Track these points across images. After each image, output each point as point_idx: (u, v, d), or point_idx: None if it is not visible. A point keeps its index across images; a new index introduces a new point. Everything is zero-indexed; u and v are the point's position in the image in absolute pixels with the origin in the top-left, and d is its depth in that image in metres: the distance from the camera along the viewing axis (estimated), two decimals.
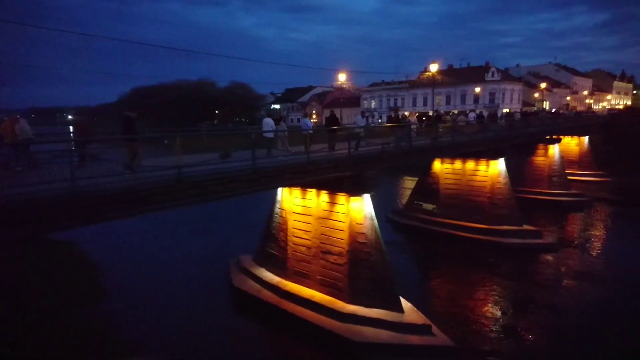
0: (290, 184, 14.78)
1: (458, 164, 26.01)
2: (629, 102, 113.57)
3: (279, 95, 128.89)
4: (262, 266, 17.87)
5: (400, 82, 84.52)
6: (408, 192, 31.18)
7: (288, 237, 16.75)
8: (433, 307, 16.29)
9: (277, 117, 16.34)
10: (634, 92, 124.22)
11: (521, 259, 21.61)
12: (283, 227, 17.06)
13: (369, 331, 13.10)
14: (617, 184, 39.65)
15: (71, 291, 18.04)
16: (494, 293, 17.75)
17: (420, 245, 24.34)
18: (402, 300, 14.39)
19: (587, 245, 24.19)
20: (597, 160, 44.08)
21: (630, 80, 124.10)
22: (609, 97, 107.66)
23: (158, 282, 18.90)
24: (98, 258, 22.23)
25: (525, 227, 24.23)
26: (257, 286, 16.83)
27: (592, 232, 26.83)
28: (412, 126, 19.61)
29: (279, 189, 17.22)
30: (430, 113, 29.84)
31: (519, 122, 34.06)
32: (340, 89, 54.90)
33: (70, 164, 7.90)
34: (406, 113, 30.64)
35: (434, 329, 13.31)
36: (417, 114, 26.59)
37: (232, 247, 21.90)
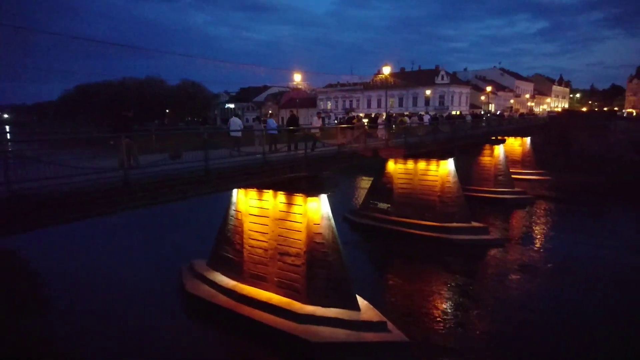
0: (245, 185, 14.51)
1: (410, 164, 26.78)
2: (566, 105, 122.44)
3: (233, 94, 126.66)
4: (216, 270, 17.41)
5: (355, 84, 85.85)
6: (364, 192, 31.68)
7: (244, 240, 16.44)
8: (388, 303, 16.63)
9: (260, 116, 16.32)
10: (571, 95, 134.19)
11: (470, 255, 22.58)
12: (239, 230, 16.72)
13: (326, 331, 13.14)
14: (556, 182, 42.62)
15: (11, 302, 16.68)
16: (445, 288, 18.42)
17: (376, 244, 24.82)
18: (359, 298, 14.56)
19: (530, 240, 25.75)
20: (538, 159, 47.11)
21: (567, 84, 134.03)
22: (548, 100, 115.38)
23: (105, 291, 17.87)
24: (41, 266, 20.73)
25: (474, 224, 25.38)
26: (212, 291, 16.36)
27: (534, 228, 28.62)
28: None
29: (234, 191, 16.86)
30: (384, 115, 30.55)
31: (471, 123, 35.69)
32: (296, 89, 54.90)
33: (5, 166, 7.28)
34: (361, 115, 31.15)
35: (390, 325, 13.57)
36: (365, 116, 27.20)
37: (184, 251, 21.15)
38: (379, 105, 79.55)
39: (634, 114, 76.94)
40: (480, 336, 14.39)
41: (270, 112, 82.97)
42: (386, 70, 33.09)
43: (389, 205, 27.20)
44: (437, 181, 25.84)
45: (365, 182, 40.06)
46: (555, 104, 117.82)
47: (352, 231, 26.71)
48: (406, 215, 26.07)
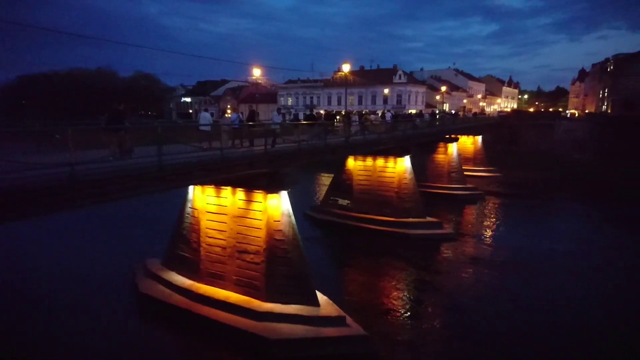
0: (202, 181, 14.13)
1: (369, 161, 27.24)
2: (515, 105, 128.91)
3: (190, 88, 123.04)
4: (172, 270, 16.87)
5: (316, 81, 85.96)
6: (325, 189, 31.85)
7: (201, 238, 16.03)
8: (348, 298, 16.83)
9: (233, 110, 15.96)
10: (519, 96, 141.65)
11: (425, 248, 23.34)
12: (195, 228, 16.27)
13: (286, 328, 13.11)
14: (505, 179, 44.89)
15: None
16: (402, 281, 18.93)
17: (336, 240, 25.07)
18: (319, 294, 14.63)
19: (481, 233, 26.96)
20: (489, 157, 49.38)
21: (516, 85, 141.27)
22: (499, 100, 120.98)
23: (50, 294, 16.83)
24: None
25: (428, 219, 26.27)
26: (167, 291, 15.84)
27: (485, 222, 30.00)
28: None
29: (190, 187, 16.38)
30: (343, 112, 30.84)
31: (428, 122, 36.79)
32: (255, 84, 54.12)
33: None
34: (322, 112, 31.27)
35: (348, 319, 13.74)
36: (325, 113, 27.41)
37: (137, 250, 20.31)
38: (339, 103, 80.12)
39: (576, 114, 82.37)
40: (435, 327, 14.92)
41: (230, 106, 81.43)
42: (346, 67, 33.37)
43: (349, 202, 27.55)
44: (394, 178, 26.45)
45: (325, 179, 40.30)
46: (505, 104, 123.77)
47: (313, 227, 26.81)
48: (365, 211, 26.51)
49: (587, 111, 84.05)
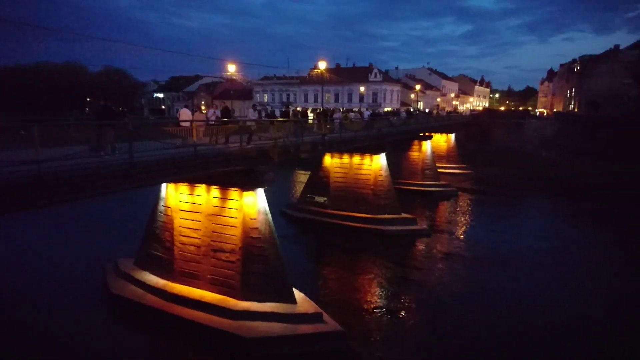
0: (175, 179, 13.84)
1: (346, 159, 27.38)
2: (487, 104, 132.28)
3: (163, 83, 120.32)
4: (144, 269, 16.49)
5: (292, 78, 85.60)
6: (301, 186, 31.82)
7: (174, 237, 15.72)
8: (325, 295, 16.93)
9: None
10: (491, 95, 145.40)
11: (400, 244, 23.69)
12: (168, 226, 15.94)
13: (262, 326, 13.04)
14: (477, 176, 46.02)
15: None
16: (378, 277, 19.14)
17: (313, 237, 25.10)
18: (295, 291, 14.63)
19: (454, 229, 27.58)
20: (461, 154, 50.49)
21: (488, 85, 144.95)
22: (471, 99, 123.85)
23: (18, 295, 16.16)
24: None
25: (404, 215, 26.67)
26: (140, 291, 15.48)
27: (458, 218, 30.70)
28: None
29: (163, 185, 16.03)
30: (319, 109, 30.85)
31: (403, 120, 37.30)
32: (230, 80, 53.33)
33: None
34: (298, 109, 31.19)
35: (325, 316, 13.80)
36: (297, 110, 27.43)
37: (109, 250, 19.75)
38: (315, 100, 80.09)
39: (545, 113, 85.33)
40: (411, 322, 15.17)
41: (204, 102, 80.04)
42: (322, 65, 33.29)
43: (326, 199, 27.62)
44: (370, 175, 26.70)
45: (302, 176, 40.25)
46: (477, 103, 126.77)
47: (290, 225, 26.75)
48: (342, 208, 26.66)
49: (555, 110, 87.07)
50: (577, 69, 76.89)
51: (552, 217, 32.73)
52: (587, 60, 73.10)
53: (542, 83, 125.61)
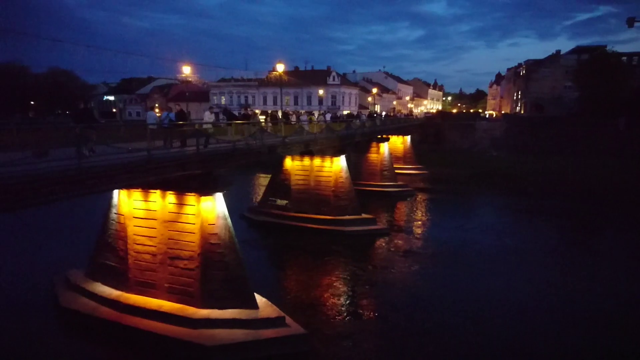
0: (127, 185, 13.27)
1: (307, 161, 27.42)
2: (440, 107, 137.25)
3: (114, 85, 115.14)
4: (97, 280, 15.67)
5: (250, 80, 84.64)
6: (262, 189, 31.51)
7: (128, 245, 15.05)
8: (287, 298, 16.83)
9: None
10: (444, 98, 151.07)
11: (361, 244, 24.05)
12: (121, 235, 15.25)
13: (223, 333, 12.76)
14: (432, 176, 47.57)
15: None
16: (340, 278, 19.30)
17: (275, 240, 24.90)
18: (257, 296, 14.43)
19: (411, 228, 28.36)
20: (417, 155, 52.03)
21: (441, 88, 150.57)
22: (425, 102, 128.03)
23: None
24: None
25: (364, 215, 27.12)
26: (92, 303, 14.70)
27: (415, 217, 31.61)
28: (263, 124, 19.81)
29: (115, 192, 15.32)
30: (280, 113, 30.75)
31: (362, 123, 37.97)
32: (185, 82, 51.95)
33: None
34: (257, 111, 30.93)
35: (288, 320, 13.71)
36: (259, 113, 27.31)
37: (57, 262, 18.59)
38: (274, 103, 79.61)
39: (494, 115, 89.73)
40: (372, 321, 15.41)
41: (158, 105, 77.38)
42: (280, 67, 33.24)
43: (287, 202, 27.51)
44: (331, 177, 26.90)
45: (263, 179, 39.89)
46: (431, 105, 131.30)
47: (251, 229, 26.41)
48: (304, 211, 26.66)
49: (503, 112, 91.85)
50: (522, 72, 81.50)
51: (503, 212, 34.42)
52: (532, 65, 77.69)
53: (491, 86, 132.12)
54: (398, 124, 52.27)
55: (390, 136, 41.34)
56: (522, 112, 77.76)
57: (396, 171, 41.41)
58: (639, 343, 13.96)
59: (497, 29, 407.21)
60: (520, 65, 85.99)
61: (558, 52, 76.11)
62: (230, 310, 13.54)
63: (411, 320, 15.28)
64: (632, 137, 53.02)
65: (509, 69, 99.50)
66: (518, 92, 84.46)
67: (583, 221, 31.42)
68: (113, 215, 15.68)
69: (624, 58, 64.79)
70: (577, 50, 74.10)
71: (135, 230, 14.99)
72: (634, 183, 40.91)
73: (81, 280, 15.93)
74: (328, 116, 31.77)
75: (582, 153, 51.19)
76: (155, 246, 14.60)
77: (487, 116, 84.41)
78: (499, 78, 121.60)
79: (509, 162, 52.57)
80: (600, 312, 16.04)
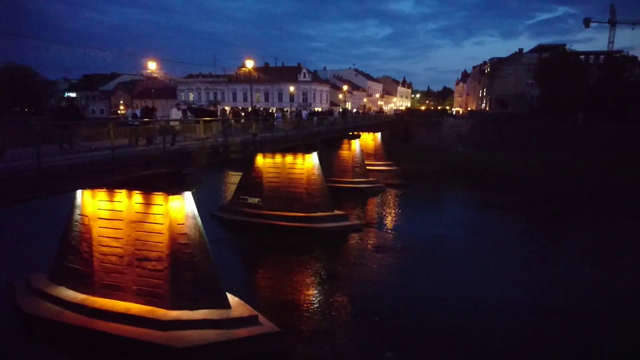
0: (91, 185, 12.81)
1: (279, 158, 27.25)
2: (409, 104, 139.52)
3: (75, 82, 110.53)
4: (61, 284, 15.06)
5: (219, 76, 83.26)
6: (233, 187, 31.11)
7: (93, 247, 14.53)
8: (260, 297, 16.77)
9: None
10: (412, 96, 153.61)
11: (334, 241, 24.20)
12: (86, 237, 14.70)
13: (195, 334, 12.56)
14: (402, 171, 48.38)
15: None
16: (313, 275, 19.38)
17: (247, 239, 24.66)
18: (229, 296, 14.27)
19: (383, 223, 28.79)
20: (387, 152, 52.77)
21: (409, 86, 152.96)
22: (394, 99, 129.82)
23: None
24: None
25: (336, 212, 27.28)
26: (56, 308, 14.12)
27: (386, 212, 32.11)
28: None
29: (79, 192, 14.75)
30: (250, 109, 30.42)
31: (333, 120, 38.19)
32: (151, 78, 50.54)
33: None
34: (226, 108, 30.47)
35: (261, 318, 13.64)
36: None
37: (18, 266, 17.74)
38: (244, 99, 78.67)
39: (460, 112, 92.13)
40: (345, 316, 15.56)
41: (122, 101, 75.02)
42: (249, 64, 32.79)
43: (259, 200, 27.26)
44: (303, 174, 26.87)
45: (234, 178, 39.37)
46: (400, 103, 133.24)
47: (222, 228, 26.05)
48: (276, 209, 26.51)
49: (469, 109, 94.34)
50: (487, 70, 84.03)
51: (470, 207, 35.54)
52: (496, 63, 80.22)
53: (457, 84, 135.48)
54: (369, 121, 52.75)
55: (361, 133, 41.72)
56: (487, 109, 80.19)
57: (367, 167, 41.85)
58: (603, 330, 14.76)
59: (462, 28, 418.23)
60: (485, 63, 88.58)
61: (520, 50, 78.88)
62: (201, 310, 13.34)
63: (384, 314, 15.51)
64: (589, 132, 55.79)
65: (474, 67, 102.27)
66: (483, 90, 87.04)
67: (544, 215, 32.87)
68: (77, 217, 15.09)
69: (582, 57, 67.87)
70: (538, 49, 77.06)
71: (101, 232, 14.50)
72: (591, 178, 43.17)
73: (44, 284, 15.27)
74: (305, 113, 31.72)
75: (543, 149, 53.44)
76: (121, 247, 14.17)
77: (454, 113, 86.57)
78: (465, 76, 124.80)
79: (475, 158, 54.22)
80: (563, 300, 16.87)
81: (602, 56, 72.97)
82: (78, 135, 10.96)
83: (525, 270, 20.43)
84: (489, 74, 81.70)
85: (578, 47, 71.87)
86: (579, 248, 24.29)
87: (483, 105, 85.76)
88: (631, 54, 64.20)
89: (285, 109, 43.82)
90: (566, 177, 44.01)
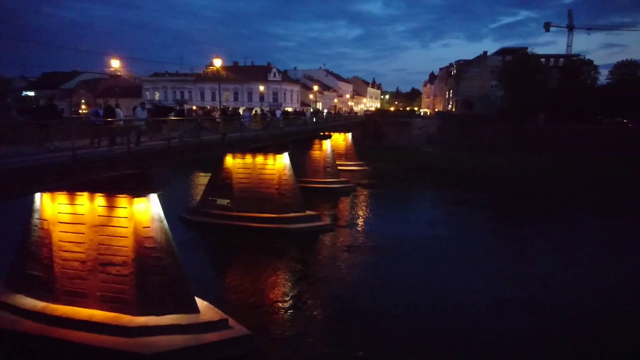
0: (50, 188, 12.22)
1: (249, 159, 26.91)
2: (379, 105, 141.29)
3: (34, 80, 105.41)
4: (18, 292, 14.27)
5: (186, 75, 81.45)
6: (201, 189, 30.51)
7: (54, 253, 13.87)
8: (230, 300, 16.51)
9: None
10: (382, 96, 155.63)
11: (306, 241, 24.16)
12: (45, 242, 14.01)
13: (163, 340, 12.22)
14: (372, 171, 48.99)
15: None
16: (285, 276, 19.27)
17: (216, 241, 24.27)
18: (198, 300, 13.97)
19: (354, 223, 29.02)
20: (358, 152, 53.28)
21: (379, 87, 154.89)
22: (364, 100, 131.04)
23: None
24: None
25: (308, 212, 27.23)
26: (13, 317, 13.39)
27: (357, 212, 32.39)
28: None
29: (37, 195, 14.05)
30: (219, 108, 29.89)
31: (305, 120, 38.09)
32: (115, 76, 48.87)
33: None
34: (194, 107, 29.84)
35: (231, 322, 13.43)
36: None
37: None
38: (213, 98, 77.22)
39: (428, 113, 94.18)
40: (317, 317, 15.55)
41: (84, 100, 72.22)
42: (217, 62, 32.20)
43: (229, 201, 26.84)
44: (274, 174, 26.66)
45: (202, 179, 38.64)
46: (370, 104, 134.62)
47: (190, 231, 25.47)
48: (246, 210, 26.18)
49: (436, 110, 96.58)
50: (453, 72, 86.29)
51: (438, 205, 36.42)
52: (462, 65, 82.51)
53: (425, 85, 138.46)
54: (340, 121, 53.06)
55: (332, 133, 41.88)
56: (454, 109, 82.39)
57: (339, 167, 42.09)
58: (562, 321, 15.42)
59: (429, 30, 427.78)
60: (451, 65, 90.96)
61: (485, 53, 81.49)
62: (169, 316, 12.99)
63: (356, 313, 15.59)
64: (550, 132, 58.39)
65: (441, 69, 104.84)
66: (450, 91, 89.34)
67: (509, 212, 34.09)
68: (35, 221, 14.36)
69: (543, 60, 70.82)
70: (502, 52, 79.89)
71: (61, 237, 13.86)
72: (552, 177, 45.14)
73: (0, 292, 14.45)
74: (278, 113, 31.53)
75: (508, 148, 55.46)
76: (84, 252, 13.59)
77: (422, 114, 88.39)
78: (432, 77, 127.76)
79: (443, 157, 55.62)
80: (526, 293, 17.52)
81: (561, 59, 76.49)
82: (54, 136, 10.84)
83: (494, 265, 21.09)
84: (455, 75, 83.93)
85: (539, 50, 75.25)
86: (540, 243, 25.34)
87: (450, 106, 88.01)
88: (587, 58, 67.56)
89: (254, 109, 43.29)
90: (529, 176, 45.88)
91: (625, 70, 63.67)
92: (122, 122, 14.40)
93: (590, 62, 65.80)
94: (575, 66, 66.25)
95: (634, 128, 60.46)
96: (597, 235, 27.20)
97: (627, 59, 65.06)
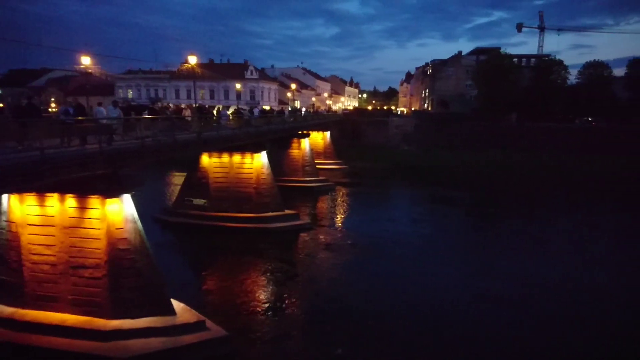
0: (18, 189, 11.79)
1: (226, 158, 26.60)
2: (356, 104, 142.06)
3: (0, 77, 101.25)
4: None
5: (160, 72, 79.80)
6: (177, 189, 30.02)
7: (23, 256, 13.37)
8: (208, 301, 16.35)
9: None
10: (359, 95, 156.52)
11: (285, 241, 24.14)
12: (13, 245, 13.49)
13: (139, 343, 11.98)
14: (351, 170, 49.28)
15: None
16: (264, 276, 19.16)
17: (193, 242, 23.94)
18: (174, 302, 13.76)
19: (333, 221, 29.16)
20: (336, 151, 53.46)
21: (357, 86, 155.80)
22: (342, 99, 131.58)
23: None
24: None
25: (287, 211, 27.14)
26: None
27: (336, 210, 32.57)
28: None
29: (4, 197, 13.52)
30: (195, 106, 29.38)
31: (283, 118, 38.04)
32: (86, 73, 47.36)
33: None
34: (168, 104, 29.29)
35: (209, 323, 13.29)
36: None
37: None
38: (188, 97, 75.97)
39: (405, 112, 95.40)
40: (296, 316, 15.57)
41: (54, 99, 69.84)
42: (192, 59, 31.62)
43: (206, 201, 26.47)
44: (252, 174, 26.45)
45: (178, 178, 37.99)
46: (348, 102, 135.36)
47: (166, 232, 25.08)
48: (224, 209, 25.88)
49: (413, 109, 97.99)
50: (429, 71, 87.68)
51: (417, 202, 36.98)
52: (437, 64, 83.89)
53: (402, 84, 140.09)
54: (318, 119, 53.10)
55: (310, 132, 41.88)
56: (430, 108, 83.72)
57: (317, 166, 42.10)
58: (538, 316, 15.91)
59: (406, 30, 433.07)
60: (427, 64, 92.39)
61: (460, 52, 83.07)
62: (144, 318, 12.74)
63: (335, 311, 15.65)
64: (522, 131, 60.09)
65: (417, 68, 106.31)
66: (426, 90, 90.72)
67: (484, 208, 34.92)
68: (2, 224, 13.80)
69: (515, 60, 72.65)
70: (476, 52, 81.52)
71: (31, 239, 13.38)
72: (524, 174, 46.48)
73: None
74: (256, 111, 31.35)
75: (482, 146, 56.79)
76: (54, 255, 13.17)
77: (399, 113, 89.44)
78: (408, 77, 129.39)
79: (420, 156, 56.49)
80: (501, 289, 18.00)
81: (533, 59, 78.68)
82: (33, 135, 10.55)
83: (472, 261, 21.61)
84: (431, 75, 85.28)
85: (512, 50, 76.71)
86: (516, 239, 26.13)
87: (426, 105, 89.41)
88: (558, 58, 69.65)
89: (231, 107, 42.76)
90: (503, 173, 47.12)
91: (593, 70, 65.97)
92: (104, 121, 14.08)
93: (560, 62, 67.87)
94: (546, 66, 68.23)
95: (598, 127, 62.84)
96: (571, 230, 28.28)
97: (594, 60, 67.37)
